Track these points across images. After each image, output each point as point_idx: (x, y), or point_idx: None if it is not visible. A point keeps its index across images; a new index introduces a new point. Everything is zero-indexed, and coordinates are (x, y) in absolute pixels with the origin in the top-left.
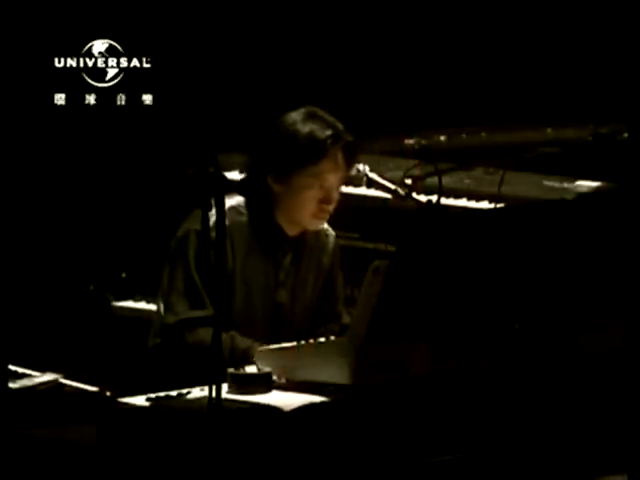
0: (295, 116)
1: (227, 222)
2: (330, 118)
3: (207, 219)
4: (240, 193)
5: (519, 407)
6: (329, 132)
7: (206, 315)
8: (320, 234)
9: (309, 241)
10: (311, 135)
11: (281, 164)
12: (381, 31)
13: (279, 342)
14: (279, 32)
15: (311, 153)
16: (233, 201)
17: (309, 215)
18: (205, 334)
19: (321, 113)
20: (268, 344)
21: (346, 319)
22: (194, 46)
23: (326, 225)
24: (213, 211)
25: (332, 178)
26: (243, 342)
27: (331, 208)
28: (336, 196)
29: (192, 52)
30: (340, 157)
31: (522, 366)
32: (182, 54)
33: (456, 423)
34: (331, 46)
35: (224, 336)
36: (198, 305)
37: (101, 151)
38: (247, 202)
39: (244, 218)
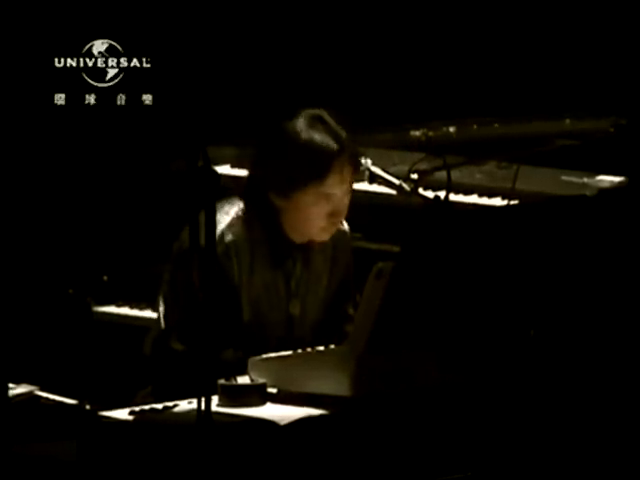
0: (297, 126)
1: (230, 235)
2: (334, 125)
3: (213, 232)
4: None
5: (535, 421)
6: (333, 145)
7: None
8: (335, 236)
9: (319, 245)
10: (314, 150)
11: (283, 181)
12: (385, 15)
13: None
14: (279, 20)
15: (314, 170)
16: (235, 209)
17: (317, 229)
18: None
19: (326, 119)
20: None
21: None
22: (194, 45)
23: (344, 230)
24: (221, 220)
25: (339, 191)
26: None
27: (342, 218)
28: (345, 207)
29: (192, 51)
30: (346, 169)
31: (538, 377)
32: (182, 54)
33: (466, 439)
34: (332, 34)
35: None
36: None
37: (93, 151)
38: (249, 213)
39: (246, 229)
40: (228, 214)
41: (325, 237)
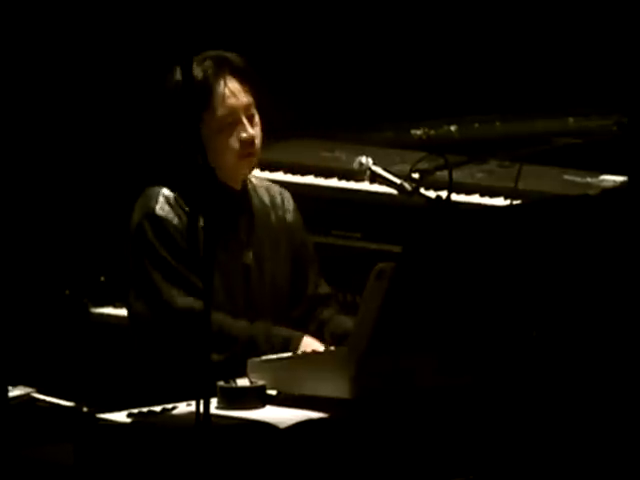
0: (173, 75)
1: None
2: (211, 54)
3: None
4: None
5: (537, 424)
6: (206, 67)
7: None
8: (273, 193)
9: (259, 198)
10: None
11: (185, 124)
12: (386, 14)
13: (255, 310)
14: (281, 20)
15: (199, 99)
16: (164, 190)
17: (235, 158)
18: (222, 320)
19: (203, 54)
20: (244, 312)
21: (325, 289)
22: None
23: (280, 189)
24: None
25: (235, 109)
26: (282, 331)
27: (257, 141)
28: (253, 124)
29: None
30: (233, 83)
31: (541, 379)
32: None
33: (468, 442)
34: (334, 33)
35: (258, 326)
36: (193, 289)
37: (92, 151)
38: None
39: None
40: (160, 193)
41: (246, 166)
